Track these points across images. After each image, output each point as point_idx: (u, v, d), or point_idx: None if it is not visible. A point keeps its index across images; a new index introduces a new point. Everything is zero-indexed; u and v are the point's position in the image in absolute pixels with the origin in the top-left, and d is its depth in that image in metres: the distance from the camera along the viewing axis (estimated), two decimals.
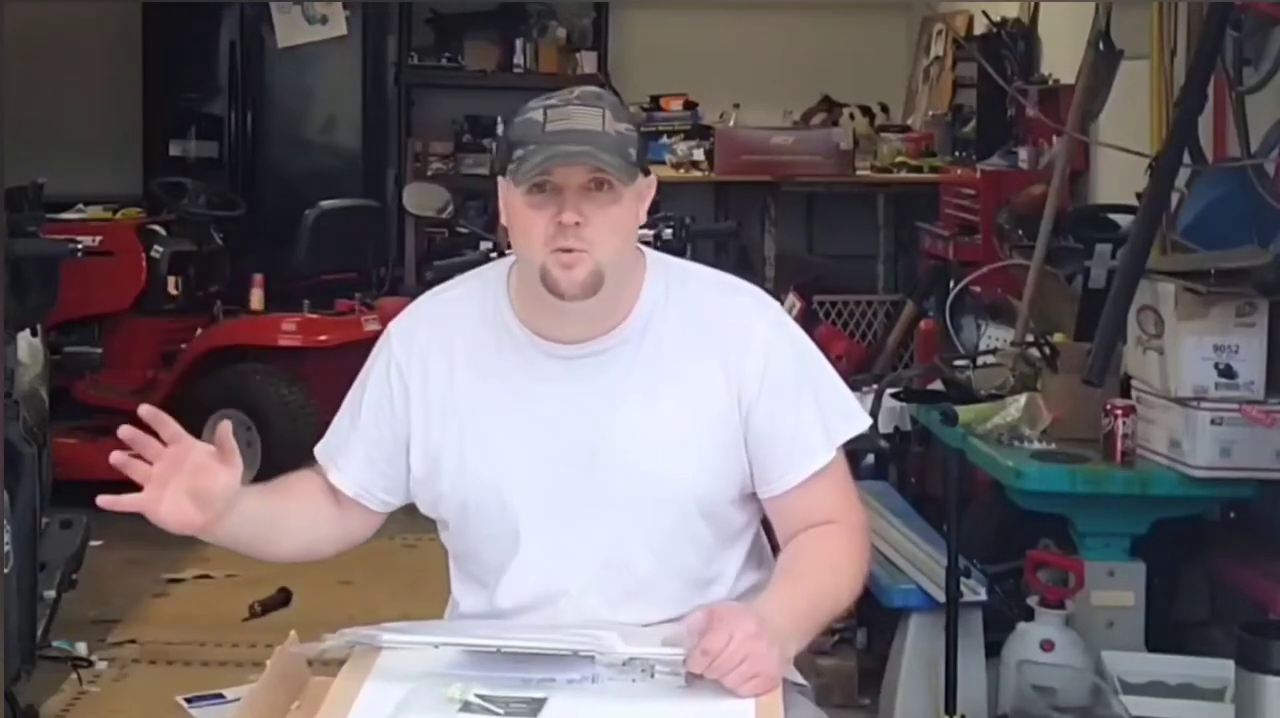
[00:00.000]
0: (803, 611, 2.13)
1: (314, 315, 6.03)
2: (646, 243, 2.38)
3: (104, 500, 2.08)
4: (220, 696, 4.12)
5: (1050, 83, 5.94)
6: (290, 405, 5.78)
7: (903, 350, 6.60)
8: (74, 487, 5.01)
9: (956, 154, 7.05)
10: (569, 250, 2.09)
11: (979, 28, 6.81)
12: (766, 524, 2.34)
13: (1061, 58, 5.76)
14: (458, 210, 4.69)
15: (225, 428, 2.08)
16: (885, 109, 8.01)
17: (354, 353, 5.93)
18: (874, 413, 4.30)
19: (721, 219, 7.40)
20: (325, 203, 6.29)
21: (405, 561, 5.09)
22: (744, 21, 8.11)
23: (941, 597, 3.66)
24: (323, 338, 5.96)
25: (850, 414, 2.27)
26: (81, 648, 4.44)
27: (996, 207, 5.60)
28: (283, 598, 4.89)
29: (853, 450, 2.29)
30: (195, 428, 6.16)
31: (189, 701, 4.14)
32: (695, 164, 7.61)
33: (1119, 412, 3.64)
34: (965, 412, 3.92)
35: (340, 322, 6.02)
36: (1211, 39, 3.90)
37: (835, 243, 7.88)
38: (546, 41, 7.94)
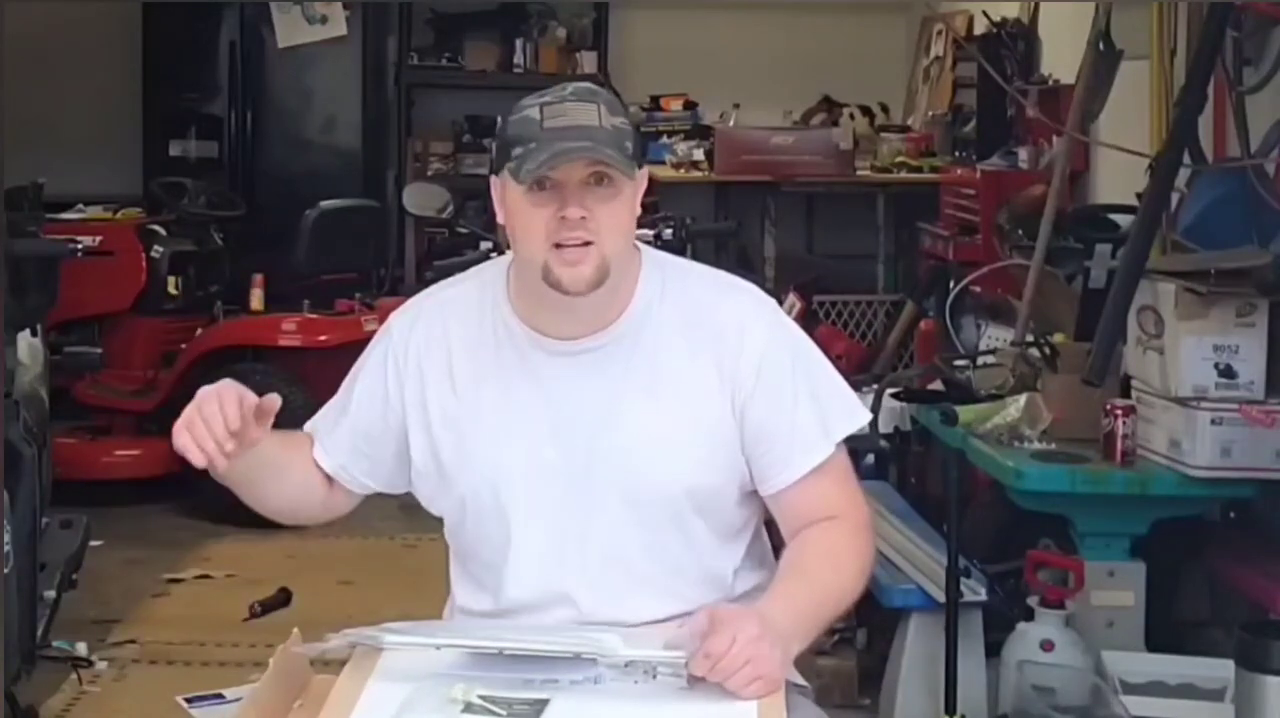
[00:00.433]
0: (806, 610, 2.13)
1: (314, 315, 6.03)
2: (646, 243, 2.38)
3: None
4: (220, 696, 4.12)
5: (1050, 83, 5.94)
6: (290, 405, 5.74)
7: (903, 350, 6.60)
8: (74, 487, 5.04)
9: (956, 154, 7.04)
10: (576, 244, 2.10)
11: (979, 28, 6.81)
12: (769, 525, 2.34)
13: (1061, 58, 5.76)
14: (458, 210, 4.70)
15: (275, 401, 2.13)
16: (885, 109, 8.01)
17: (354, 353, 5.92)
18: (874, 413, 4.30)
19: (721, 219, 7.39)
20: (325, 203, 6.29)
21: (405, 561, 5.10)
22: (744, 21, 8.11)
23: (941, 597, 3.66)
24: (323, 338, 5.96)
25: (850, 410, 2.27)
26: (81, 648, 4.44)
27: (996, 207, 5.60)
28: (283, 598, 4.89)
29: (853, 450, 2.29)
30: None
31: (189, 701, 4.14)
32: (695, 164, 7.60)
33: (1119, 412, 3.64)
34: (965, 412, 3.92)
35: (340, 322, 6.02)
36: (1211, 39, 3.90)
37: (835, 243, 7.88)
38: (546, 41, 7.94)
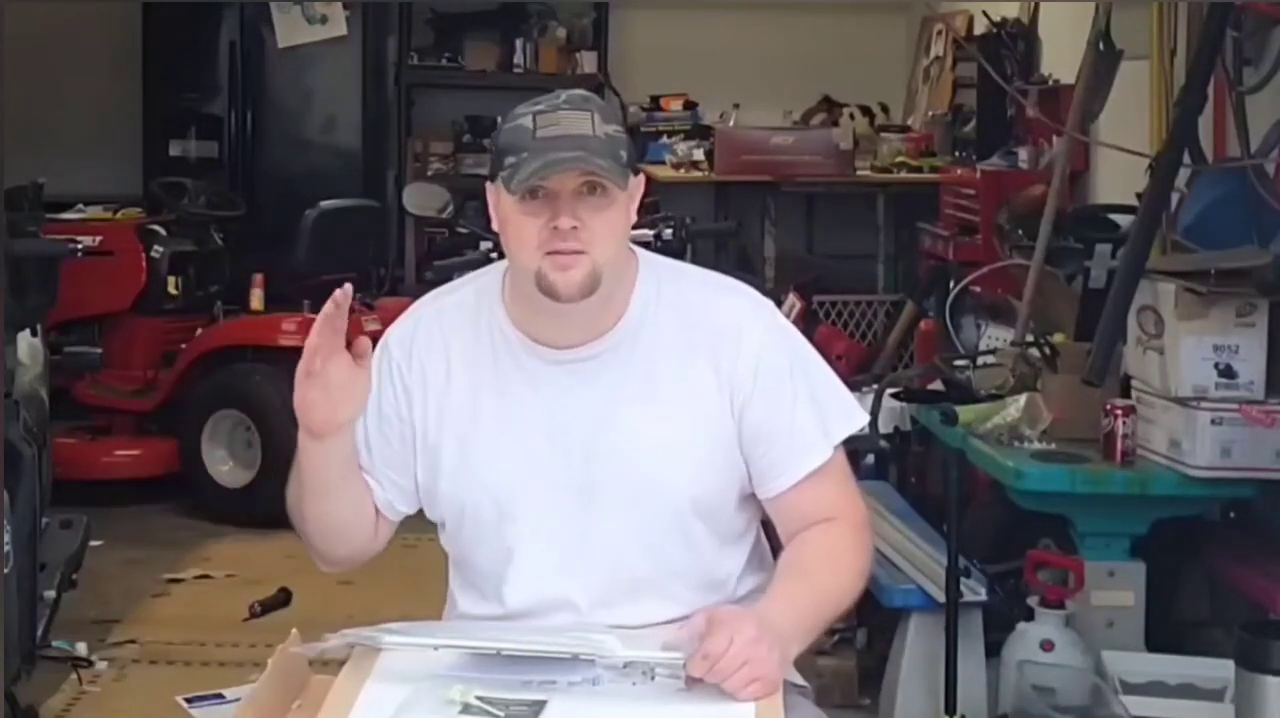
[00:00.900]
0: (805, 611, 2.12)
1: (314, 315, 6.00)
2: (646, 243, 2.38)
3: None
4: (220, 696, 4.12)
5: (1050, 83, 5.94)
6: (290, 405, 5.75)
7: (903, 350, 6.60)
8: (74, 487, 5.04)
9: (956, 154, 7.04)
10: (566, 253, 2.09)
11: (979, 28, 6.81)
12: (767, 527, 2.33)
13: (1061, 58, 5.76)
14: (458, 210, 4.69)
15: (365, 344, 2.16)
16: (885, 109, 8.00)
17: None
18: (874, 413, 4.30)
19: (721, 219, 7.39)
20: (325, 203, 6.29)
21: (405, 561, 5.07)
22: (744, 21, 8.11)
23: (941, 597, 3.66)
24: None
25: (848, 412, 2.27)
26: (81, 648, 4.44)
27: (996, 207, 5.59)
28: (283, 598, 4.89)
29: (853, 450, 2.29)
30: (195, 428, 6.17)
31: (189, 701, 4.14)
32: (695, 164, 7.60)
33: (1119, 412, 3.64)
34: (965, 412, 3.92)
35: None
36: (1211, 39, 3.90)
37: (835, 243, 7.88)
38: (546, 41, 7.94)
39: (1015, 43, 6.32)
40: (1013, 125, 6.35)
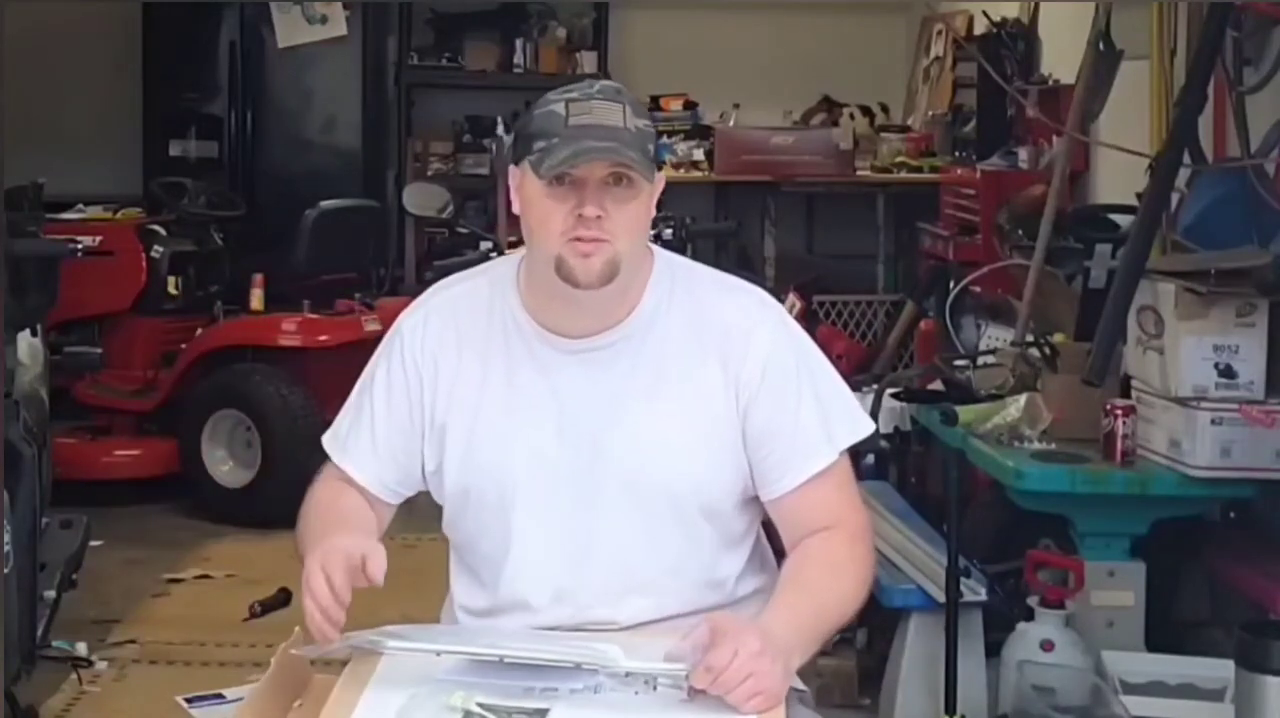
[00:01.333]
0: (807, 622, 2.12)
1: (314, 315, 6.03)
2: None
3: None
4: (220, 696, 4.12)
5: (1050, 83, 5.94)
6: (290, 405, 5.78)
7: (903, 350, 6.60)
8: (74, 487, 5.04)
9: (956, 154, 7.04)
10: (588, 240, 2.11)
11: (979, 28, 6.81)
12: (769, 529, 2.33)
13: (1061, 58, 5.76)
14: (458, 210, 4.71)
15: (380, 569, 2.06)
16: (885, 109, 8.01)
17: (354, 353, 5.90)
18: (874, 413, 4.30)
19: (721, 219, 7.40)
20: (325, 203, 6.29)
21: (405, 561, 5.05)
22: (744, 21, 8.11)
23: (941, 597, 3.66)
24: (323, 338, 5.96)
25: (854, 419, 2.27)
26: (81, 648, 4.44)
27: (996, 207, 5.60)
28: (283, 598, 4.89)
29: (853, 451, 2.29)
30: (195, 428, 6.16)
31: (189, 701, 4.14)
32: (695, 164, 7.61)
33: (1119, 412, 3.64)
34: (965, 412, 3.92)
35: (340, 322, 6.02)
36: (1211, 39, 3.90)
37: (835, 243, 7.89)
38: (546, 41, 7.94)
39: (1015, 43, 6.32)
40: (1013, 125, 6.36)
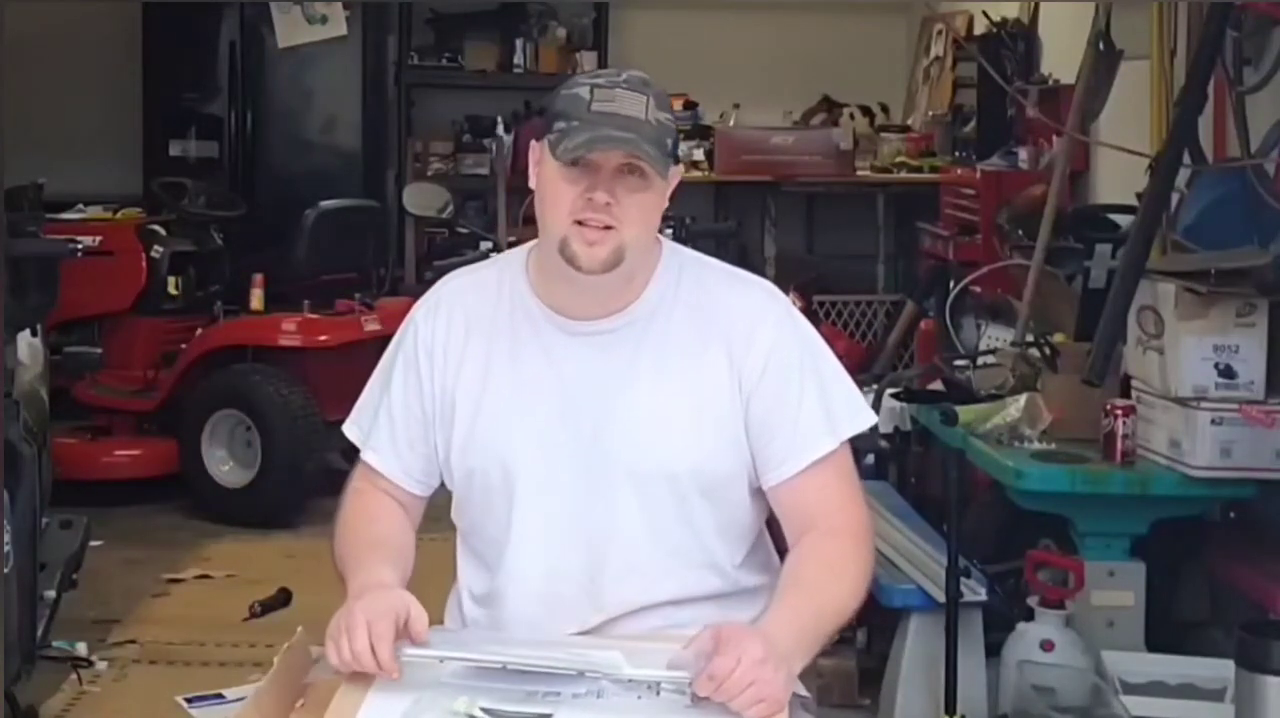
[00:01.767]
0: (808, 626, 2.13)
1: (314, 315, 6.03)
2: None
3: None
4: (220, 696, 4.12)
5: (1050, 83, 5.94)
6: (290, 405, 5.78)
7: (903, 350, 6.61)
8: (74, 487, 5.04)
9: (956, 154, 7.05)
10: (595, 225, 2.13)
11: (979, 28, 6.82)
12: (773, 530, 2.34)
13: (1061, 58, 5.76)
14: (458, 210, 4.71)
15: (423, 632, 2.05)
16: (885, 109, 8.01)
17: (354, 353, 5.91)
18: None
19: (721, 219, 7.40)
20: (325, 203, 6.29)
21: None
22: (744, 21, 8.11)
23: (941, 597, 3.66)
24: (323, 338, 5.96)
25: (855, 410, 2.29)
26: (81, 648, 4.44)
27: (996, 207, 5.60)
28: (283, 598, 4.89)
29: (853, 450, 2.29)
30: (195, 428, 6.16)
31: (189, 701, 4.14)
32: (695, 164, 7.61)
33: (1119, 412, 3.64)
34: (965, 412, 3.92)
35: (340, 322, 6.02)
36: (1211, 39, 3.90)
37: (835, 243, 7.89)
38: (546, 41, 7.94)
39: (1015, 43, 6.33)
40: (1013, 125, 6.36)
